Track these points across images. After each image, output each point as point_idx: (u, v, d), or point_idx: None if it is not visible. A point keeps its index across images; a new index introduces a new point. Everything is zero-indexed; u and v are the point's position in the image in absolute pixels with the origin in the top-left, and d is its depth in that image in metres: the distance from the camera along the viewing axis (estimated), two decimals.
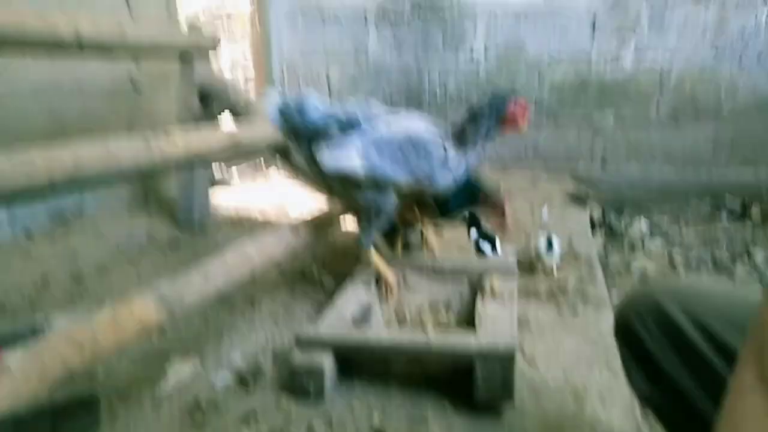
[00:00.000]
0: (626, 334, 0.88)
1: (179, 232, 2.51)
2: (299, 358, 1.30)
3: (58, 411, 1.21)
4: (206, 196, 2.60)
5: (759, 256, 2.42)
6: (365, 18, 3.58)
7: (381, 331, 1.36)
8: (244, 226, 2.62)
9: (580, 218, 2.74)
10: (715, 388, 0.60)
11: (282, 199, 3.07)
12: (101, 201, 2.60)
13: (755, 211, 3.01)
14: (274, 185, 3.35)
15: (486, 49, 3.50)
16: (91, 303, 1.84)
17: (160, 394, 1.37)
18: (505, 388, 1.24)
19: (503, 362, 1.23)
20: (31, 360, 1.01)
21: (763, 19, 3.15)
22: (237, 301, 1.86)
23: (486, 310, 1.49)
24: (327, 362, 1.29)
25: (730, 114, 3.29)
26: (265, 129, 2.01)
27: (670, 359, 0.80)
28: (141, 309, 1.20)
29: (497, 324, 1.39)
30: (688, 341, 0.78)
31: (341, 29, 3.63)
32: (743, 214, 3.01)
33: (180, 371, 1.48)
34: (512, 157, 3.51)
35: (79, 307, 1.81)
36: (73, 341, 1.06)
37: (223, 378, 1.42)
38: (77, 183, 1.29)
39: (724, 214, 3.06)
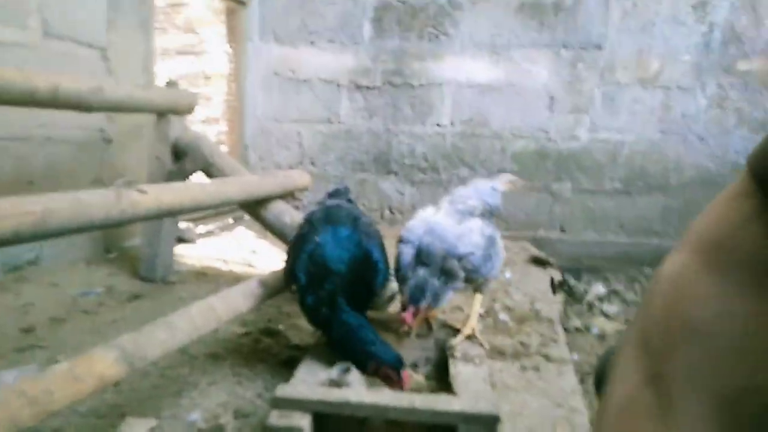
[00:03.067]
0: (604, 385, 0.90)
1: (141, 285, 2.45)
2: (276, 419, 1.27)
3: None
4: (171, 249, 2.57)
5: None
6: (338, 85, 3.74)
7: (362, 392, 1.34)
8: (209, 280, 2.58)
9: (541, 280, 2.82)
10: None
11: (249, 254, 3.05)
12: (59, 251, 2.53)
13: None
14: (242, 241, 3.33)
15: (452, 121, 3.69)
16: (41, 356, 1.76)
17: None
18: None
19: (487, 427, 1.24)
20: None
21: (703, 106, 3.45)
22: (197, 355, 1.81)
23: (460, 372, 1.50)
24: (306, 424, 1.26)
25: (677, 187, 3.52)
26: (236, 186, 2.04)
27: None
28: (100, 363, 1.17)
29: (474, 386, 1.40)
30: None
31: (314, 95, 3.77)
32: None
33: (135, 430, 1.41)
34: None
35: (27, 360, 1.73)
36: (25, 396, 1.02)
37: None
38: (45, 233, 1.28)
39: None
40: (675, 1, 3.39)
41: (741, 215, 0.42)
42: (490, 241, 1.67)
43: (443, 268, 1.55)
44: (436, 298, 1.55)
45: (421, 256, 1.57)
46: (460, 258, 1.56)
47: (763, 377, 0.37)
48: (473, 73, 3.63)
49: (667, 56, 3.45)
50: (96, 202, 1.39)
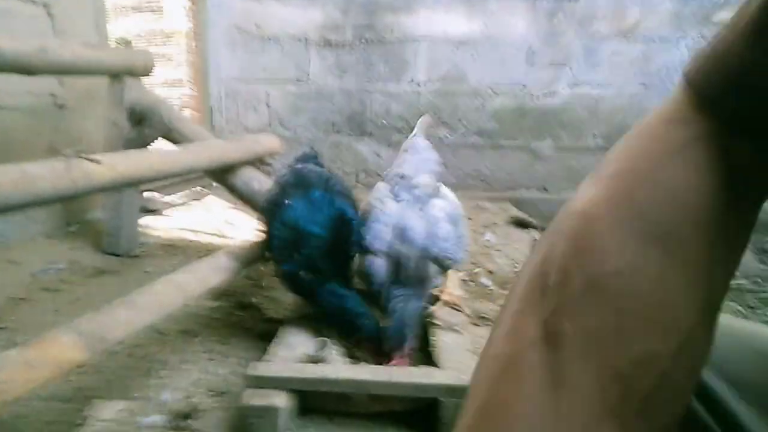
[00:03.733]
0: None
1: (105, 259, 2.33)
2: (251, 397, 1.20)
3: None
4: (135, 222, 2.44)
5: None
6: (306, 41, 3.56)
7: (340, 368, 1.28)
8: (178, 253, 2.47)
9: (523, 242, 2.78)
10: None
11: (220, 224, 2.94)
12: (16, 225, 2.38)
13: None
14: (212, 210, 3.21)
15: (428, 78, 3.55)
16: (1, 338, 1.65)
17: None
18: None
19: None
20: None
21: (685, 55, 3.38)
22: (167, 332, 1.72)
23: (441, 341, 1.45)
24: (282, 402, 1.20)
25: None
26: (199, 153, 1.91)
27: None
28: (56, 347, 1.08)
29: (457, 356, 1.35)
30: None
31: (282, 52, 3.58)
32: None
33: (102, 414, 1.33)
34: (455, 185, 3.55)
35: None
36: None
37: (153, 420, 1.29)
38: None
39: None
40: None
41: (667, 147, 0.36)
42: (454, 220, 1.56)
43: (419, 276, 1.44)
44: (416, 320, 1.44)
45: (395, 269, 1.43)
46: (434, 259, 1.46)
47: (662, 346, 0.33)
48: (449, 26, 3.48)
49: (645, 5, 3.34)
50: (43, 174, 1.27)
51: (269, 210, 1.60)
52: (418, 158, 1.70)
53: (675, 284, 0.33)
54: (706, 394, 0.49)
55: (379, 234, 1.47)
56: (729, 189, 0.34)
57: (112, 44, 2.68)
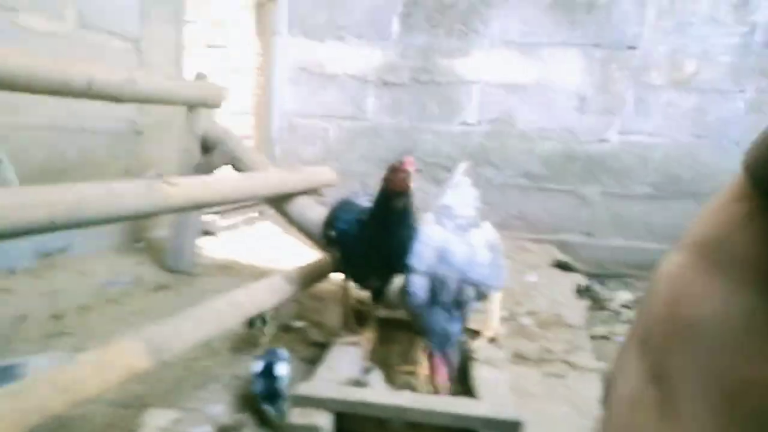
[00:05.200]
0: None
1: (166, 276, 2.48)
2: (296, 416, 1.27)
3: None
4: (195, 242, 2.60)
5: None
6: (365, 81, 3.73)
7: (380, 392, 1.34)
8: (232, 274, 2.60)
9: (565, 285, 2.77)
10: None
11: (273, 250, 3.07)
12: (88, 240, 2.58)
13: None
14: (265, 236, 3.36)
15: (479, 120, 3.64)
16: (69, 343, 1.79)
17: None
18: None
19: None
20: (9, 403, 0.98)
21: (741, 110, 3.35)
22: (220, 349, 1.83)
23: (482, 375, 1.48)
24: (326, 423, 1.26)
25: (710, 194, 3.40)
26: (262, 181, 2.05)
27: None
28: (129, 353, 1.19)
29: (496, 391, 1.39)
30: None
31: (341, 90, 3.77)
32: None
33: (156, 422, 1.43)
34: (500, 224, 3.58)
35: (55, 346, 1.76)
36: (56, 384, 1.03)
37: (202, 431, 1.38)
38: (78, 222, 1.30)
39: None
40: (714, 0, 3.29)
41: (738, 217, 0.44)
42: (493, 249, 1.63)
43: (457, 299, 1.50)
44: (456, 339, 1.52)
45: (435, 289, 1.50)
46: (473, 284, 1.51)
47: (761, 370, 0.38)
48: (502, 71, 3.57)
49: (703, 57, 3.34)
50: (128, 193, 1.41)
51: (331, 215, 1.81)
52: (460, 193, 1.78)
53: (764, 316, 0.40)
54: None
55: (422, 255, 1.55)
56: None
57: (189, 77, 2.91)
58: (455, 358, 1.51)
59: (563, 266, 3.06)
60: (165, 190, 1.50)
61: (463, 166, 1.93)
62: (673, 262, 0.47)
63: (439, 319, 1.47)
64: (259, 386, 1.43)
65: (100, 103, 1.99)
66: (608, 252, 3.53)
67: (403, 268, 1.56)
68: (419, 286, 1.52)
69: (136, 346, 1.20)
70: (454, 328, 1.49)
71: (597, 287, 3.07)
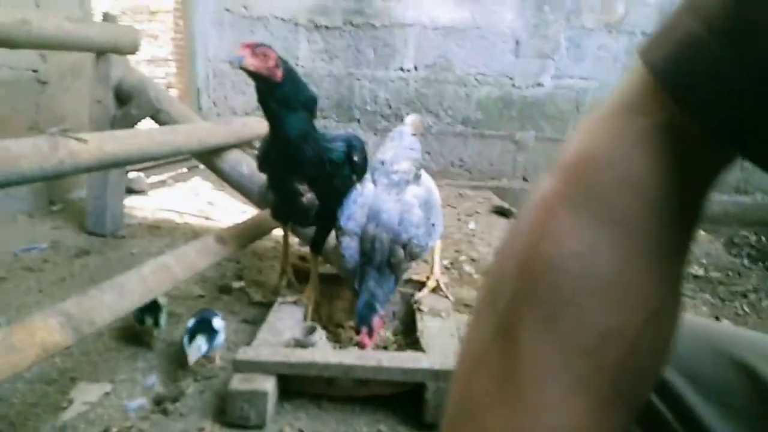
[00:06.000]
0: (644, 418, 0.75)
1: (88, 239, 2.31)
2: (238, 382, 1.22)
3: None
4: (120, 201, 2.42)
5: None
6: (295, 24, 3.52)
7: (328, 353, 1.30)
8: (163, 234, 2.46)
9: (504, 230, 2.82)
10: None
11: (206, 206, 2.92)
12: None
13: None
14: (197, 192, 3.18)
15: (416, 65, 3.55)
16: None
17: (63, 422, 1.23)
18: None
19: None
20: None
21: None
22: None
23: (427, 326, 1.48)
24: (270, 387, 1.22)
25: None
26: (187, 135, 1.90)
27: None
28: (42, 330, 1.07)
29: (442, 341, 1.38)
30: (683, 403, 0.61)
31: (270, 34, 3.54)
32: None
33: (87, 396, 1.34)
34: (439, 172, 3.57)
35: None
36: None
37: (139, 404, 1.30)
38: None
39: None
40: None
41: (628, 136, 0.36)
42: (428, 207, 1.58)
43: (390, 261, 1.45)
44: (386, 301, 1.47)
45: (366, 250, 1.45)
46: (404, 245, 1.47)
47: (626, 319, 0.34)
48: (437, 13, 3.47)
49: None
50: (28, 153, 1.25)
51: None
52: (401, 146, 1.71)
53: (635, 263, 0.35)
54: (666, 391, 0.50)
55: (354, 215, 1.49)
56: (682, 173, 0.35)
57: (97, 19, 2.62)
58: (384, 319, 1.48)
59: (502, 212, 3.11)
60: (71, 148, 1.34)
61: (413, 120, 1.86)
62: (544, 188, 0.38)
63: (370, 283, 1.43)
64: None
65: None
66: None
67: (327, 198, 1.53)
68: (351, 248, 1.47)
69: (50, 321, 1.08)
70: (385, 290, 1.46)
71: None
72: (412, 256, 1.51)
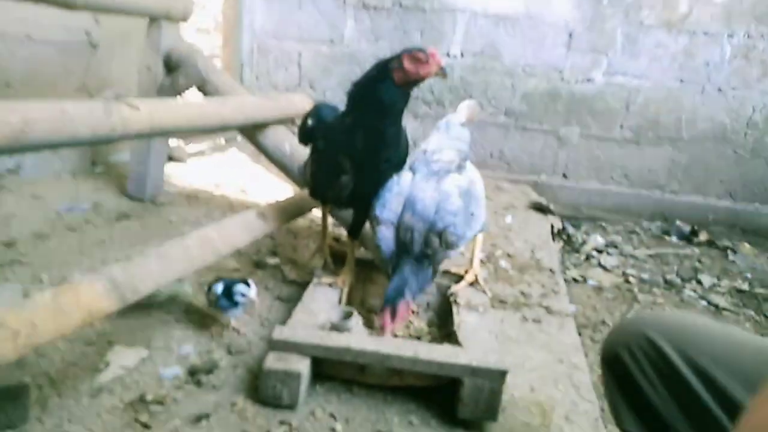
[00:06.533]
0: (614, 364, 0.85)
1: (128, 203, 2.34)
2: (273, 361, 1.21)
3: None
4: (161, 168, 2.44)
5: (707, 281, 2.52)
6: (344, 2, 3.47)
7: (365, 340, 1.29)
8: (200, 204, 2.47)
9: (541, 227, 2.76)
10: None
11: (242, 179, 2.93)
12: (41, 162, 2.38)
13: (703, 236, 3.14)
14: (234, 164, 3.20)
15: (462, 51, 3.47)
16: (24, 273, 1.67)
17: (100, 384, 1.25)
18: (491, 406, 1.21)
19: (493, 381, 1.20)
20: None
21: (727, 55, 3.28)
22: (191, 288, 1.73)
23: (464, 320, 1.45)
24: (305, 369, 1.21)
25: (688, 141, 3.42)
26: (235, 109, 1.89)
27: (662, 396, 0.78)
28: (88, 295, 1.08)
29: (479, 337, 1.36)
30: (682, 382, 0.75)
31: (318, 12, 3.50)
32: (690, 238, 3.14)
33: (124, 360, 1.36)
34: (478, 164, 3.49)
35: (9, 277, 1.64)
36: (8, 328, 0.93)
37: (174, 372, 1.31)
38: (23, 147, 1.15)
39: (674, 237, 3.17)
40: None
41: None
42: (468, 196, 1.53)
43: (424, 252, 1.42)
44: (420, 291, 1.45)
45: (401, 240, 1.42)
46: (440, 233, 1.43)
47: None
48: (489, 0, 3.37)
49: None
50: (83, 116, 1.25)
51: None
52: (447, 136, 1.66)
53: None
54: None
55: (389, 204, 1.46)
56: None
57: None
58: (412, 308, 1.46)
59: (539, 208, 3.04)
60: (125, 114, 1.34)
61: (466, 104, 1.80)
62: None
63: (405, 271, 1.40)
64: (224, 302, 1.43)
65: (50, 10, 1.76)
66: (584, 195, 3.53)
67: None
68: (386, 238, 1.45)
69: (98, 287, 1.09)
70: (420, 280, 1.42)
71: (571, 230, 3.09)
72: (447, 245, 1.47)
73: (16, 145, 1.10)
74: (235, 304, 1.44)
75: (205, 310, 1.55)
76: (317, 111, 1.67)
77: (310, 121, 1.62)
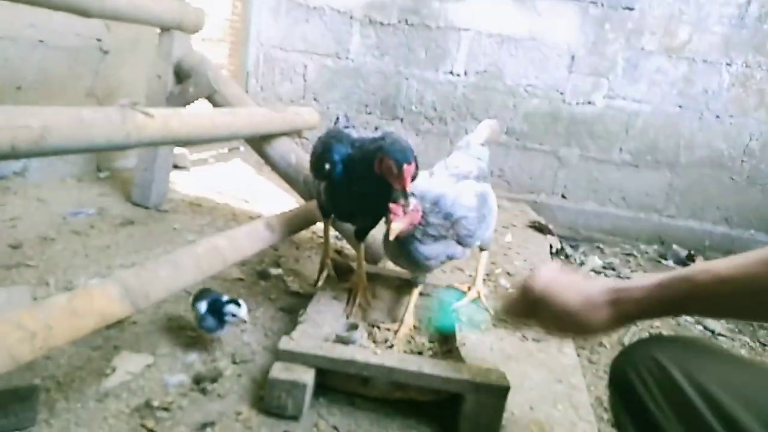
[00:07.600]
0: (622, 385, 0.87)
1: (133, 210, 2.35)
2: (279, 371, 1.23)
3: None
4: (167, 176, 2.46)
5: None
6: (351, 17, 3.52)
7: (369, 353, 1.30)
8: (203, 212, 2.49)
9: (540, 246, 2.79)
10: None
11: (245, 189, 2.95)
12: (47, 165, 2.40)
13: (699, 261, 3.18)
14: (238, 174, 3.22)
15: (466, 70, 3.53)
16: (30, 276, 1.68)
17: (106, 389, 1.26)
18: (492, 423, 1.23)
19: (495, 397, 1.21)
20: None
21: (725, 83, 3.35)
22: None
23: (466, 337, 1.47)
24: (310, 380, 1.23)
25: (685, 166, 3.47)
26: (245, 120, 1.92)
27: (669, 418, 0.80)
28: (103, 300, 1.10)
29: (481, 354, 1.38)
30: (689, 405, 0.77)
31: (324, 25, 3.56)
32: (687, 263, 3.18)
33: (129, 366, 1.36)
34: None
35: (17, 279, 1.65)
36: (26, 329, 0.95)
37: (179, 380, 1.32)
38: (42, 151, 1.17)
39: (671, 261, 3.21)
40: None
41: None
42: (482, 200, 1.58)
43: (440, 235, 1.44)
44: (441, 254, 1.45)
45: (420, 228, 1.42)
46: (453, 223, 1.46)
47: None
48: (494, 20, 3.44)
49: (698, 25, 3.30)
50: (99, 123, 1.27)
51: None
52: (467, 154, 1.71)
53: None
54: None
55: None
56: None
57: None
58: (419, 213, 1.40)
59: (538, 227, 3.07)
60: (139, 122, 1.36)
61: (486, 123, 1.84)
62: None
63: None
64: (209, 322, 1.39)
65: (62, 15, 1.79)
66: (581, 216, 3.57)
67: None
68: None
69: (111, 292, 1.11)
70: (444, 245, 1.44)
71: (569, 250, 3.12)
72: (459, 240, 1.50)
73: (35, 150, 1.12)
74: (223, 324, 1.40)
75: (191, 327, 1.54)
76: (330, 151, 1.54)
77: (327, 166, 1.53)
